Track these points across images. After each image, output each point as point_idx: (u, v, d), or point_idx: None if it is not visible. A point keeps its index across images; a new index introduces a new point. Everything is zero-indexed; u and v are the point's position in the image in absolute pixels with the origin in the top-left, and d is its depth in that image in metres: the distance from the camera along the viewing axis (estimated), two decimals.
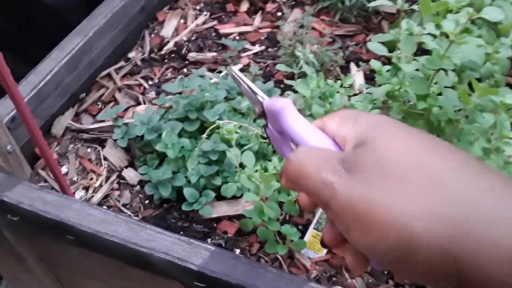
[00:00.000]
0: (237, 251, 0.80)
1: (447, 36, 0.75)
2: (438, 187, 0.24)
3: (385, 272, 0.78)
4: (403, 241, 0.23)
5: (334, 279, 0.76)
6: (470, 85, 0.77)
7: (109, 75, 1.16)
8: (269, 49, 1.24)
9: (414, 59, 0.78)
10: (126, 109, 1.06)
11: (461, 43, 0.69)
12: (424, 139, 0.27)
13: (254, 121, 0.94)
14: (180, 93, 1.02)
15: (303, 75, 0.94)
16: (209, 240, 0.82)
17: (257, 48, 1.24)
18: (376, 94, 0.77)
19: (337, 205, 0.26)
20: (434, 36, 0.77)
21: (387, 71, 0.81)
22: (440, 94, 0.77)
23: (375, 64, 0.81)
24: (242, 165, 0.80)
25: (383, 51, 0.76)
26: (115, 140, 0.96)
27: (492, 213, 0.23)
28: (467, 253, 0.22)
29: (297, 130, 0.30)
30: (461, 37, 0.69)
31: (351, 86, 0.88)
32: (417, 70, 0.77)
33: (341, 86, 0.85)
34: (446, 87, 0.77)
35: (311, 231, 0.79)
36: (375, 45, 0.77)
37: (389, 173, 0.25)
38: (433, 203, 0.23)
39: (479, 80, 0.87)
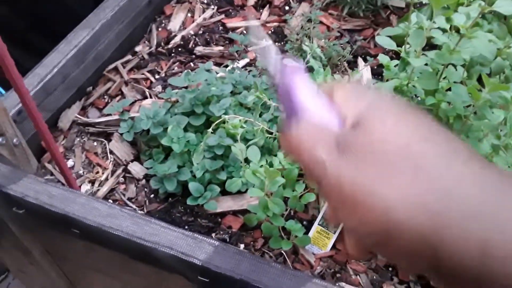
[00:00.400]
0: (242, 246, 0.80)
1: (457, 30, 0.74)
2: (422, 175, 0.24)
3: (390, 269, 0.78)
4: (384, 227, 0.24)
5: (338, 275, 0.76)
6: (479, 80, 0.75)
7: (116, 69, 1.16)
8: (276, 43, 1.23)
9: (423, 54, 0.76)
10: (133, 103, 1.06)
11: (472, 37, 0.67)
12: (418, 124, 0.26)
13: (260, 115, 0.94)
14: (186, 87, 1.01)
15: (309, 69, 0.93)
16: (213, 235, 0.82)
17: (264, 42, 1.23)
18: (383, 89, 0.76)
19: (327, 184, 0.26)
20: (444, 30, 0.76)
21: (395, 65, 0.80)
22: (449, 89, 0.75)
23: (383, 58, 0.80)
24: (247, 160, 0.80)
25: (391, 45, 0.75)
26: (121, 134, 0.96)
27: (471, 205, 0.23)
28: (445, 243, 0.23)
29: (303, 100, 0.31)
30: (472, 31, 0.68)
31: (360, 80, 0.87)
32: (426, 65, 0.75)
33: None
34: (455, 82, 0.76)
35: (316, 226, 0.78)
36: (383, 39, 0.76)
37: (377, 157, 0.25)
38: (416, 191, 0.24)
39: (489, 75, 0.85)
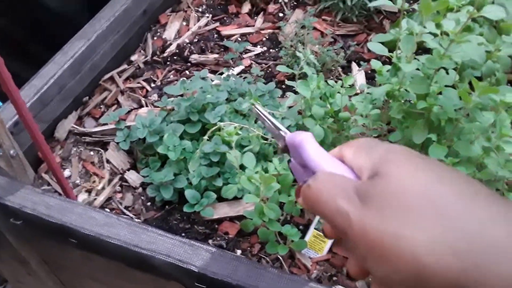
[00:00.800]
0: (239, 252, 0.81)
1: (447, 34, 0.75)
2: (446, 217, 0.24)
3: None
4: (414, 271, 0.24)
5: (334, 278, 0.76)
6: (471, 83, 0.76)
7: (111, 78, 1.17)
8: (271, 50, 1.24)
9: (415, 58, 0.77)
10: (129, 112, 1.07)
11: (461, 42, 0.68)
12: (432, 168, 0.27)
13: (255, 122, 0.94)
14: (182, 95, 1.02)
15: (304, 75, 0.94)
16: (210, 241, 0.82)
17: (258, 49, 1.24)
18: (376, 94, 0.77)
19: (352, 234, 0.27)
20: (435, 35, 0.77)
21: (388, 70, 0.81)
22: (440, 93, 0.76)
23: (375, 64, 0.81)
24: (243, 167, 0.80)
25: (383, 51, 0.76)
26: (117, 143, 0.97)
27: (497, 244, 0.23)
28: (476, 284, 0.23)
29: (316, 159, 0.32)
30: (461, 36, 0.69)
31: (352, 86, 0.88)
32: (417, 69, 0.76)
33: (342, 86, 0.85)
34: (446, 86, 0.76)
35: (312, 231, 0.79)
36: (375, 45, 0.77)
37: (399, 204, 0.26)
38: (442, 234, 0.24)
39: (480, 78, 0.86)
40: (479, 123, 0.67)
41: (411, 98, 0.75)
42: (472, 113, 0.68)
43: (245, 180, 0.72)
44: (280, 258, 0.79)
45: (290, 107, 0.94)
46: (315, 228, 0.80)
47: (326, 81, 0.88)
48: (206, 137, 0.85)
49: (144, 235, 0.72)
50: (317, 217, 0.79)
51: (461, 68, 0.84)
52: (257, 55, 1.23)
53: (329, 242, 0.79)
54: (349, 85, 0.85)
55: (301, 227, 0.83)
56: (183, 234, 0.83)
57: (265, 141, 0.88)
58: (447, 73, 0.80)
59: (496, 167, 0.65)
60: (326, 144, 0.83)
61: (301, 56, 0.95)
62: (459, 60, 0.75)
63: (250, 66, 1.19)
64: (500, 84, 0.86)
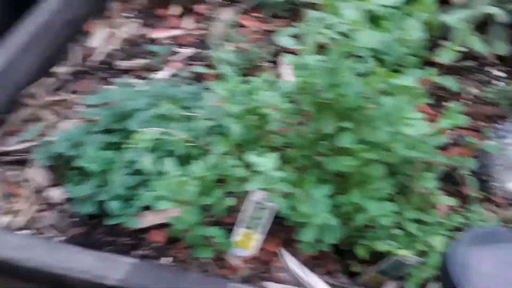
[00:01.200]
0: (168, 259, 0.79)
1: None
2: None
3: (316, 261, 0.79)
4: None
5: (265, 274, 0.76)
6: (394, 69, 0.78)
7: (34, 93, 1.12)
8: (201, 51, 1.23)
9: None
10: (52, 126, 1.03)
11: (360, 30, 0.69)
12: None
13: (182, 125, 0.93)
14: (106, 104, 1.00)
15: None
16: (139, 251, 0.80)
17: (188, 51, 1.23)
18: (289, 87, 0.77)
19: None
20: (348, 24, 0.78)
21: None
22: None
23: (287, 57, 0.81)
24: (163, 172, 0.79)
25: (291, 44, 0.77)
26: (39, 160, 0.93)
27: None
28: None
29: None
30: (360, 24, 0.70)
31: (274, 81, 0.88)
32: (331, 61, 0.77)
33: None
34: (361, 74, 0.78)
35: (238, 229, 0.79)
36: (283, 39, 0.78)
37: None
38: None
39: (398, 64, 0.88)
40: (383, 109, 0.68)
41: (321, 89, 0.75)
42: (376, 99, 0.69)
43: (159, 185, 0.71)
44: (208, 260, 0.78)
45: (216, 107, 0.93)
46: (242, 227, 0.79)
47: (247, 78, 0.87)
48: (127, 145, 0.83)
49: (61, 254, 0.70)
50: (243, 215, 0.78)
51: (376, 55, 0.86)
52: (189, 57, 1.21)
53: (257, 239, 0.78)
54: (265, 79, 0.85)
55: (231, 227, 0.82)
56: (108, 247, 0.80)
57: (190, 143, 0.87)
58: (366, 62, 0.81)
59: (403, 149, 0.66)
60: (248, 141, 0.83)
61: (219, 55, 0.94)
62: (369, 47, 0.77)
63: (180, 68, 1.17)
64: (412, 68, 0.88)
